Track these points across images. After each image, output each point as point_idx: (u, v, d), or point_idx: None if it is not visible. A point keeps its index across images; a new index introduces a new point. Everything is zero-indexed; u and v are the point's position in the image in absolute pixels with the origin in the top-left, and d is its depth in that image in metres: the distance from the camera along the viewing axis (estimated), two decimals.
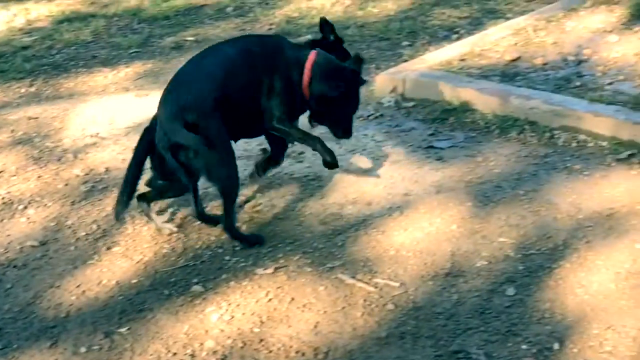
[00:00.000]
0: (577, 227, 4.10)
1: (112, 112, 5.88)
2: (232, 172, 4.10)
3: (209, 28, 7.96)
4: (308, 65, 4.20)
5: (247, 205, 4.50)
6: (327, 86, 4.23)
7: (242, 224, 4.31)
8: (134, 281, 3.93)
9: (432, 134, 5.25)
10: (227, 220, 4.14)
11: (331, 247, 4.08)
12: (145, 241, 4.24)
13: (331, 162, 4.30)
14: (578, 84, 5.53)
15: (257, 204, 4.51)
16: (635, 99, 5.16)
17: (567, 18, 6.78)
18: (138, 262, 4.08)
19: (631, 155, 4.72)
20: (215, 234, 4.23)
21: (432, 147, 5.08)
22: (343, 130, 4.47)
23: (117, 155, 5.20)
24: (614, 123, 4.90)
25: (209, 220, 4.32)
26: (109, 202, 4.57)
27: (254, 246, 4.11)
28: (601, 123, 4.93)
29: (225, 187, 4.10)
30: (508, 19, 7.27)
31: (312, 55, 4.24)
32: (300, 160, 4.99)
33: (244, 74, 4.15)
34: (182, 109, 3.93)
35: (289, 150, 4.86)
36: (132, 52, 7.32)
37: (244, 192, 4.52)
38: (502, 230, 4.12)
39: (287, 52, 4.25)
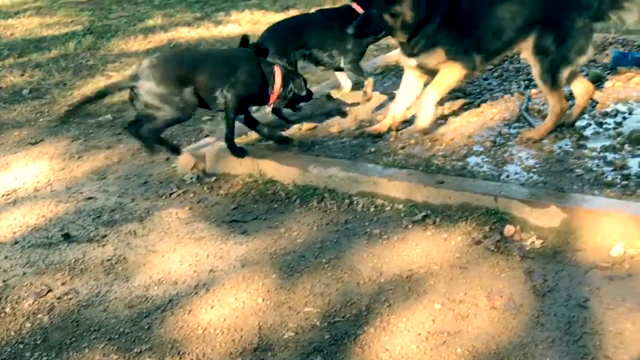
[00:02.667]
0: (379, 291, 4.22)
1: None
2: None
3: (3, 112, 7.75)
4: None
5: (53, 293, 4.37)
6: None
7: (44, 316, 4.17)
8: None
9: (235, 208, 5.30)
10: None
11: (138, 331, 4.01)
12: None
13: None
14: (373, 149, 5.74)
15: (60, 294, 4.39)
16: (426, 162, 5.41)
17: (361, 86, 7.03)
18: None
19: (425, 217, 4.92)
20: (14, 329, 4.08)
21: (235, 221, 5.12)
22: None
23: None
24: (407, 186, 5.11)
25: None
26: None
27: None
28: (396, 187, 5.13)
29: None
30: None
31: None
32: (104, 243, 4.90)
33: None
34: None
35: (91, 234, 4.79)
36: None
37: None
38: (307, 300, 4.17)
39: None
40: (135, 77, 5.29)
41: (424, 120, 5.79)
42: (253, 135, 6.09)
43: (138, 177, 5.94)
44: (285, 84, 5.73)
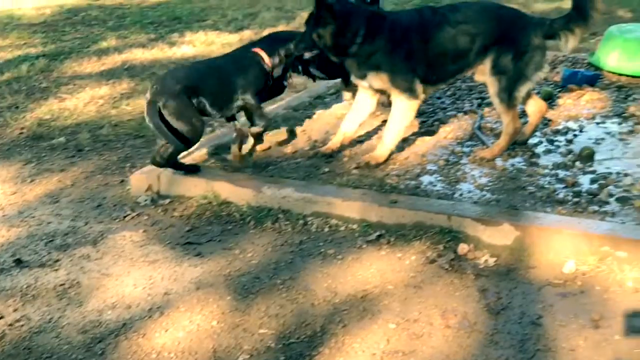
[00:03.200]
0: (334, 311, 4.22)
1: None
2: None
3: None
4: None
5: (4, 320, 4.31)
6: None
7: None
8: None
9: (189, 230, 5.27)
10: None
11: (91, 357, 3.97)
12: None
13: None
14: (327, 170, 5.74)
15: (12, 321, 4.33)
16: (380, 181, 5.43)
17: (314, 106, 7.06)
18: None
19: (380, 236, 4.94)
20: None
21: (190, 243, 5.10)
22: None
23: None
24: (361, 206, 5.12)
25: None
26: None
27: None
28: (350, 207, 5.14)
29: None
30: None
31: None
32: (57, 268, 4.85)
33: None
34: None
35: (43, 259, 4.76)
36: None
37: None
38: (262, 322, 4.16)
39: None
40: None
41: (381, 154, 5.79)
42: (208, 156, 6.07)
43: (92, 200, 5.89)
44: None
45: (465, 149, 6.02)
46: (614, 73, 7.70)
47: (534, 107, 6.01)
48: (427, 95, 6.04)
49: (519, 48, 5.65)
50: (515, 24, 5.75)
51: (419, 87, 5.67)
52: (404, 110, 5.69)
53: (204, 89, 5.61)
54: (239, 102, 5.79)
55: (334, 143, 6.05)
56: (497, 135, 6.03)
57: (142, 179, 5.87)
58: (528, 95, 5.88)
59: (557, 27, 5.65)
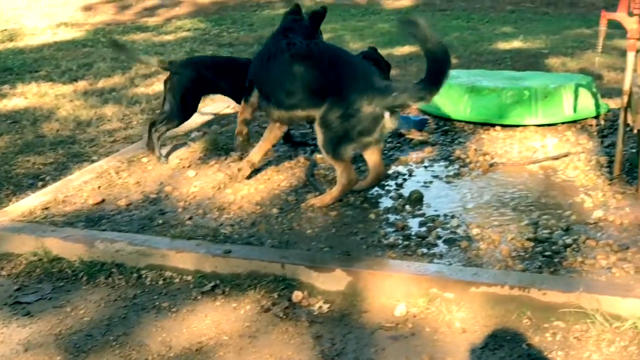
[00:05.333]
0: None
1: None
2: None
3: None
4: None
5: None
6: None
7: None
8: None
9: (18, 289, 5.09)
10: None
11: None
12: None
13: None
14: (161, 221, 5.69)
15: None
16: (214, 231, 5.42)
17: (148, 157, 7.01)
18: None
19: (215, 287, 4.92)
20: None
21: (18, 302, 4.92)
22: None
23: None
24: (196, 257, 5.10)
25: None
26: None
27: None
28: (184, 258, 5.11)
29: None
30: (94, 161, 7.37)
31: None
32: None
33: None
34: None
35: None
36: None
37: None
38: None
39: None
40: None
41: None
42: (37, 211, 5.91)
43: None
44: None
45: (299, 197, 6.08)
46: (440, 117, 7.99)
47: (371, 165, 6.06)
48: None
49: (348, 109, 5.66)
50: (350, 86, 5.71)
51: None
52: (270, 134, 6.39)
53: None
54: None
55: (244, 174, 6.47)
56: (332, 182, 6.13)
57: None
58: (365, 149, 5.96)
59: (401, 101, 5.70)
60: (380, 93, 5.65)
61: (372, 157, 6.01)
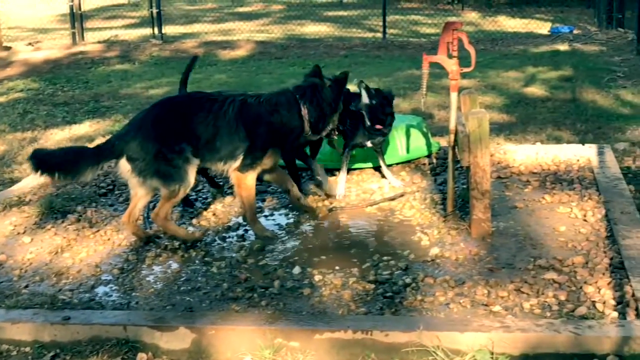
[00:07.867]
0: None
1: None
2: None
3: None
4: None
5: None
6: None
7: None
8: None
9: None
10: None
11: None
12: None
13: None
14: None
15: None
16: (52, 298, 5.25)
17: None
18: None
19: (54, 357, 4.75)
20: None
21: None
22: None
23: None
24: (33, 327, 4.91)
25: None
26: None
27: None
28: (21, 329, 4.91)
29: None
30: None
31: None
32: None
33: None
34: None
35: None
36: None
37: None
38: None
39: None
40: None
41: None
42: None
43: None
44: None
45: (140, 256, 5.98)
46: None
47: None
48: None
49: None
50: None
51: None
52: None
53: None
54: None
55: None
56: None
57: None
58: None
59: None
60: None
61: None
